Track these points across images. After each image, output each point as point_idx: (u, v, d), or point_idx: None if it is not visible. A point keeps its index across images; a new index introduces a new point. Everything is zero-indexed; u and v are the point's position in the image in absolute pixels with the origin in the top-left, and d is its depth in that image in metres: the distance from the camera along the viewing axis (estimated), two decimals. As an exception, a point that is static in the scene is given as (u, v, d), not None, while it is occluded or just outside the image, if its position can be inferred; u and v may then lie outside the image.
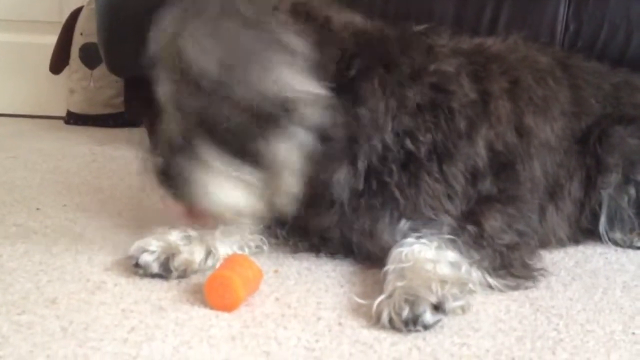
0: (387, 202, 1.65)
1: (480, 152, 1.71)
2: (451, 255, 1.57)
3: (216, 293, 1.48)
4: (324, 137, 1.58)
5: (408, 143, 1.64)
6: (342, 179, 1.64)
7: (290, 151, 1.54)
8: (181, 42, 1.46)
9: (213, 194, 1.50)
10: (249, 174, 1.51)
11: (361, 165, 1.63)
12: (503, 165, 1.74)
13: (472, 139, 1.70)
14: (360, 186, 1.64)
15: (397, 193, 1.63)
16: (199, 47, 1.44)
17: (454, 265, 1.56)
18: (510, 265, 1.64)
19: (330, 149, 1.60)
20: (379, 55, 1.66)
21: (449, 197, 1.66)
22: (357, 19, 1.72)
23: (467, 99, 1.71)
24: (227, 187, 1.51)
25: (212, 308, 1.48)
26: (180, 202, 1.55)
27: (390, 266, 1.55)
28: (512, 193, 1.75)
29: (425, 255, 1.55)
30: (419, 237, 1.59)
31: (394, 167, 1.64)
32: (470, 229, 1.64)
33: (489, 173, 1.71)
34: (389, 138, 1.64)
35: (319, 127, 1.55)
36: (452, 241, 1.59)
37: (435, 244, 1.58)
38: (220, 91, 1.45)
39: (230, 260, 1.59)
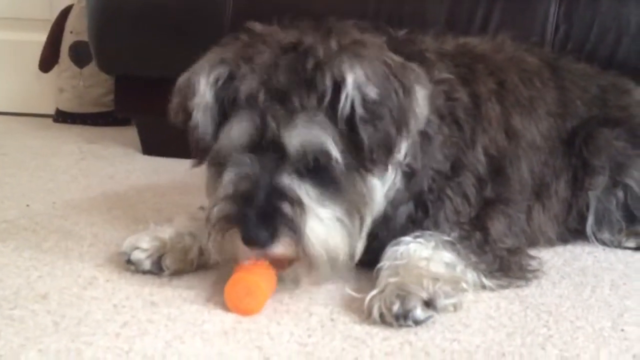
0: (419, 220, 1.65)
1: (480, 159, 1.72)
2: (447, 255, 1.57)
3: (237, 297, 1.45)
4: (410, 172, 1.59)
5: (442, 160, 1.65)
6: (404, 210, 1.65)
7: (380, 188, 1.53)
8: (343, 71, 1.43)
9: (319, 234, 1.43)
10: (343, 214, 1.46)
11: (425, 192, 1.64)
12: (496, 169, 1.76)
13: (475, 145, 1.72)
14: (415, 212, 1.65)
15: (428, 209, 1.65)
16: (364, 79, 1.42)
17: (448, 265, 1.56)
18: (509, 268, 1.65)
19: (412, 185, 1.62)
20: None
21: (465, 208, 1.67)
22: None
23: (466, 105, 1.72)
24: (331, 227, 1.45)
25: (230, 311, 1.46)
26: (270, 246, 1.43)
27: (385, 262, 1.55)
28: (507, 195, 1.77)
29: (420, 254, 1.55)
30: (416, 237, 1.59)
31: (434, 187, 1.65)
32: (476, 235, 1.65)
33: (489, 178, 1.73)
34: (440, 155, 1.65)
35: (407, 163, 1.57)
36: (450, 242, 1.59)
37: (432, 244, 1.58)
38: (373, 116, 1.43)
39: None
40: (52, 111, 3.89)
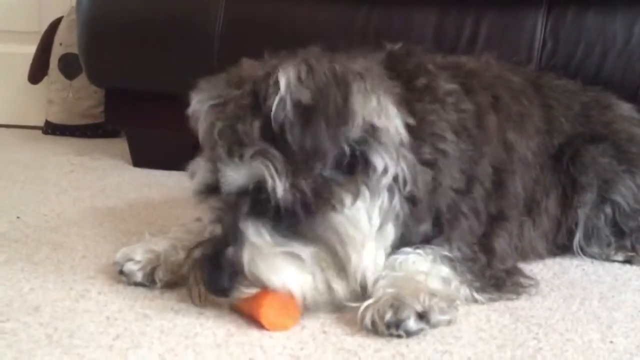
0: (431, 237, 1.62)
1: (488, 171, 1.71)
2: (444, 270, 1.57)
3: (275, 314, 1.44)
4: (413, 199, 1.54)
5: (459, 177, 1.63)
6: (422, 230, 1.61)
7: (365, 222, 1.46)
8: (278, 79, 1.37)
9: (272, 276, 1.40)
10: (308, 252, 1.42)
11: (444, 212, 1.60)
12: (499, 182, 1.75)
13: (483, 157, 1.70)
14: (432, 231, 1.62)
15: (443, 228, 1.62)
16: (296, 82, 1.36)
17: (445, 280, 1.56)
18: (503, 285, 1.65)
19: (419, 210, 1.56)
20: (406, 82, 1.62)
21: (476, 225, 1.66)
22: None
23: (473, 115, 1.71)
24: (287, 269, 1.41)
25: (265, 328, 1.44)
26: (232, 294, 1.43)
27: (382, 272, 1.53)
28: (507, 212, 1.77)
29: (419, 267, 1.54)
30: (416, 248, 1.58)
31: (452, 205, 1.62)
32: (482, 259, 1.65)
33: (492, 192, 1.72)
34: (458, 173, 1.62)
35: (408, 191, 1.51)
36: (448, 258, 1.59)
37: (430, 257, 1.57)
38: (303, 120, 1.35)
39: None
40: (41, 123, 3.89)
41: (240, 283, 1.41)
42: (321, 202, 1.40)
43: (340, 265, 1.47)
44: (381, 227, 1.50)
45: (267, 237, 1.41)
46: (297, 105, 1.35)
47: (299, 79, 1.37)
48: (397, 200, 1.51)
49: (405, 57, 1.73)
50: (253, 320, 1.46)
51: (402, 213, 1.53)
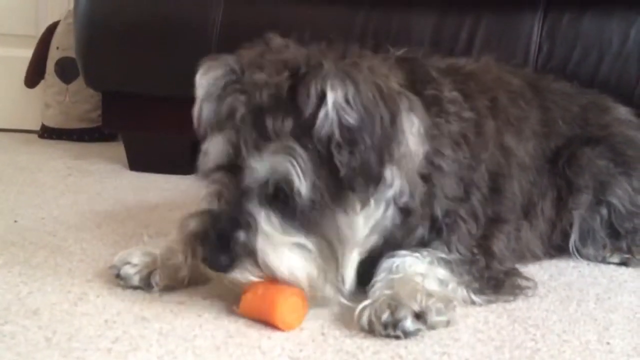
0: (429, 240, 1.64)
1: (484, 176, 1.73)
2: (441, 272, 1.58)
3: (287, 314, 1.45)
4: (407, 210, 1.56)
5: (456, 185, 1.64)
6: (418, 234, 1.63)
7: (362, 225, 1.49)
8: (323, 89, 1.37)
9: (275, 261, 1.41)
10: (311, 243, 1.44)
11: (441, 218, 1.62)
12: (495, 187, 1.77)
13: (480, 163, 1.72)
14: (428, 234, 1.64)
15: (442, 232, 1.63)
16: (344, 102, 1.36)
17: (442, 282, 1.57)
18: (502, 287, 1.66)
19: (412, 220, 1.59)
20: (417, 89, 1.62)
21: (474, 229, 1.67)
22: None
23: (473, 122, 1.72)
24: (290, 255, 1.42)
25: (277, 328, 1.45)
26: (229, 272, 1.44)
27: (379, 275, 1.55)
28: (505, 215, 1.79)
29: (416, 269, 1.55)
30: (413, 250, 1.60)
31: (451, 211, 1.64)
32: (481, 261, 1.65)
33: (490, 196, 1.74)
34: (455, 182, 1.63)
35: (404, 202, 1.53)
36: (445, 260, 1.60)
37: (428, 259, 1.59)
38: (350, 142, 1.36)
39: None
40: (37, 127, 3.89)
41: (243, 265, 1.42)
42: (335, 205, 1.44)
43: (333, 258, 1.48)
44: (369, 235, 1.53)
45: (278, 226, 1.43)
46: (345, 127, 1.36)
47: (346, 99, 1.36)
48: (390, 211, 1.54)
49: (412, 63, 1.73)
50: (260, 321, 1.47)
51: (391, 223, 1.56)
